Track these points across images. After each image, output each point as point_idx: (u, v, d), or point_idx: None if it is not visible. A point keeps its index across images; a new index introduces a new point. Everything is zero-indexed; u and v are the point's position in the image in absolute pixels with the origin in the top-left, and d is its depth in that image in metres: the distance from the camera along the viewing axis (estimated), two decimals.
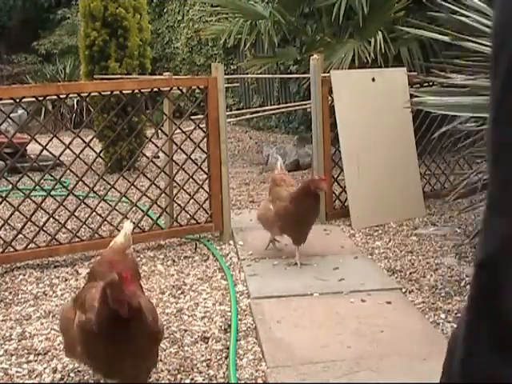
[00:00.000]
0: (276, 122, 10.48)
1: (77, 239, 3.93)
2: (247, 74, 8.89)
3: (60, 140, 4.01)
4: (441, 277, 3.42)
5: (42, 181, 4.32)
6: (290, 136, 9.62)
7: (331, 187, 4.65)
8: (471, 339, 1.04)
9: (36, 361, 2.61)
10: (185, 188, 4.40)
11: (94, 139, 4.23)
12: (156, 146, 4.38)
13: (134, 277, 2.17)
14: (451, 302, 3.08)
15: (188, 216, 4.25)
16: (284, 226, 3.69)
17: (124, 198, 4.23)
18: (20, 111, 9.25)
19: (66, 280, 3.57)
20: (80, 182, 4.00)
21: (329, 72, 4.74)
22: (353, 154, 4.52)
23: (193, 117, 4.48)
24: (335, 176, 4.73)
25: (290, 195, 3.67)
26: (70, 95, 3.91)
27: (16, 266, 3.81)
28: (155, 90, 4.14)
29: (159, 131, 4.36)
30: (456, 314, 2.94)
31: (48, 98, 3.84)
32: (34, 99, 3.77)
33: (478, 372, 1.03)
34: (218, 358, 2.60)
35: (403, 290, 3.25)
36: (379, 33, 6.15)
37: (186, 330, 2.85)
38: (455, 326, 2.81)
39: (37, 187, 3.89)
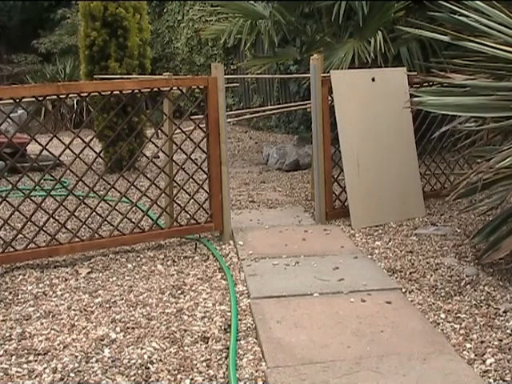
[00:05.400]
0: (276, 121, 10.49)
1: (77, 239, 3.93)
2: (247, 74, 8.89)
3: (60, 140, 4.01)
4: (441, 277, 3.42)
5: (42, 181, 4.32)
6: (289, 136, 9.63)
7: (331, 187, 4.66)
8: None
9: (36, 361, 2.61)
10: (185, 188, 4.40)
11: (94, 139, 4.23)
12: (156, 146, 4.38)
13: None
14: (451, 302, 3.08)
15: (188, 216, 4.25)
16: None
17: (124, 198, 4.23)
18: (20, 111, 9.27)
19: (66, 280, 3.57)
20: (80, 182, 3.99)
21: (329, 72, 4.74)
22: (353, 154, 4.52)
23: (193, 117, 4.47)
24: (335, 176, 4.73)
25: None
26: (70, 95, 3.90)
27: (16, 266, 3.81)
28: (155, 89, 4.13)
29: (159, 131, 4.35)
30: (456, 314, 2.94)
31: (48, 98, 3.83)
32: (33, 99, 3.77)
33: None
34: (218, 358, 2.60)
35: (403, 290, 3.25)
36: (379, 33, 6.15)
37: (185, 330, 2.85)
38: (455, 325, 2.81)
39: (37, 187, 3.89)
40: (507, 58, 3.42)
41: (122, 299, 3.24)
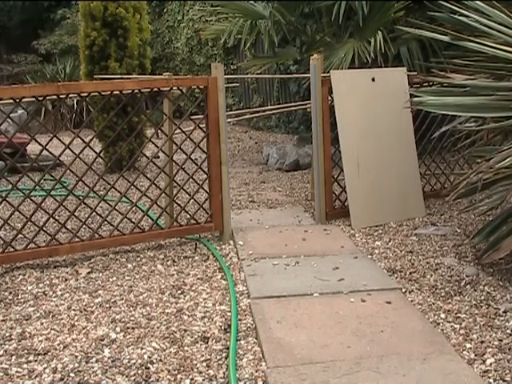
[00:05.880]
0: (276, 121, 10.49)
1: (77, 239, 3.93)
2: (247, 74, 8.89)
3: (60, 140, 4.01)
4: (441, 277, 3.42)
5: (42, 181, 4.32)
6: (289, 136, 9.63)
7: (331, 187, 4.66)
8: None
9: (36, 361, 2.61)
10: (185, 188, 4.40)
11: (94, 139, 4.23)
12: (156, 146, 4.38)
13: None
14: (451, 302, 3.08)
15: (188, 216, 4.25)
16: None
17: (124, 198, 4.23)
18: (20, 111, 9.27)
19: (66, 280, 3.57)
20: (80, 182, 3.99)
21: (329, 72, 4.74)
22: (353, 154, 4.52)
23: (193, 117, 4.47)
24: (335, 176, 4.73)
25: None
26: (70, 95, 3.90)
27: (16, 266, 3.81)
28: (155, 89, 4.13)
29: (159, 131, 4.35)
30: (456, 314, 2.94)
31: (48, 98, 3.83)
32: (34, 99, 3.77)
33: None
34: (218, 358, 2.60)
35: (403, 290, 3.25)
36: (379, 33, 6.15)
37: (185, 330, 2.85)
38: (455, 325, 2.81)
39: (37, 187, 3.89)
40: (507, 58, 3.42)
41: (122, 299, 3.24)
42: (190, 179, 4.30)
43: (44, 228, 3.91)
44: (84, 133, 4.38)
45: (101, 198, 4.08)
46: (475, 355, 2.54)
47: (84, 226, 4.02)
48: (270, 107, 7.50)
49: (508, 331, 2.73)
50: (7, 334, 2.85)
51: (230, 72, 11.17)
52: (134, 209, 4.40)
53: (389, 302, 3.08)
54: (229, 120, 5.26)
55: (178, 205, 4.38)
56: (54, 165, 4.38)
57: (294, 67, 9.05)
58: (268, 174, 6.90)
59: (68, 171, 4.01)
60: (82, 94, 3.97)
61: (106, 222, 4.24)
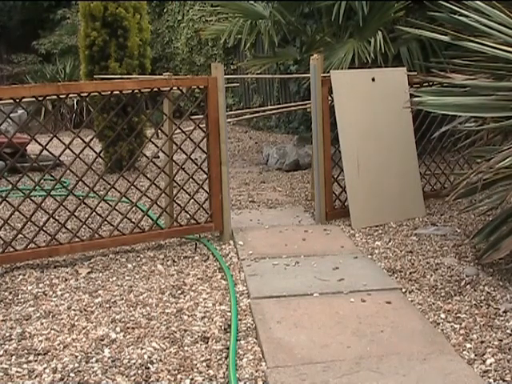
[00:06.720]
0: (276, 122, 10.49)
1: (77, 239, 3.93)
2: (247, 74, 8.89)
3: (60, 140, 4.01)
4: (441, 277, 3.42)
5: (42, 181, 4.32)
6: (289, 136, 9.63)
7: (331, 187, 4.66)
8: None
9: (36, 361, 2.61)
10: (185, 188, 4.40)
11: (94, 139, 4.23)
12: (156, 146, 4.38)
13: None
14: (451, 302, 3.08)
15: (188, 216, 4.25)
16: None
17: (124, 198, 4.23)
18: (20, 111, 9.27)
19: (66, 280, 3.57)
20: (80, 182, 3.99)
21: (329, 72, 4.74)
22: (353, 154, 4.52)
23: (193, 117, 4.47)
24: (335, 176, 4.73)
25: None
26: (70, 95, 3.90)
27: (16, 266, 3.81)
28: (155, 89, 4.13)
29: (159, 131, 4.35)
30: (456, 314, 2.94)
31: (48, 98, 3.83)
32: (34, 99, 3.76)
33: None
34: (218, 358, 2.60)
35: (403, 290, 3.25)
36: (379, 33, 6.15)
37: (185, 330, 2.85)
38: (455, 325, 2.81)
39: (37, 187, 3.89)
40: (507, 58, 3.42)
41: (122, 299, 3.24)
42: (190, 179, 4.30)
43: (44, 228, 3.91)
44: (84, 133, 4.38)
45: (101, 198, 4.08)
46: (475, 355, 2.54)
47: (84, 226, 4.02)
48: (270, 107, 7.50)
49: (508, 331, 2.73)
50: (7, 334, 2.85)
51: (230, 72, 11.17)
52: (134, 209, 4.40)
53: (389, 301, 3.08)
54: (229, 120, 5.26)
55: (178, 205, 4.38)
56: (54, 165, 4.38)
57: (294, 67, 9.05)
58: (268, 174, 6.90)
59: (68, 171, 4.02)
60: (82, 94, 3.97)
61: (106, 222, 4.24)
